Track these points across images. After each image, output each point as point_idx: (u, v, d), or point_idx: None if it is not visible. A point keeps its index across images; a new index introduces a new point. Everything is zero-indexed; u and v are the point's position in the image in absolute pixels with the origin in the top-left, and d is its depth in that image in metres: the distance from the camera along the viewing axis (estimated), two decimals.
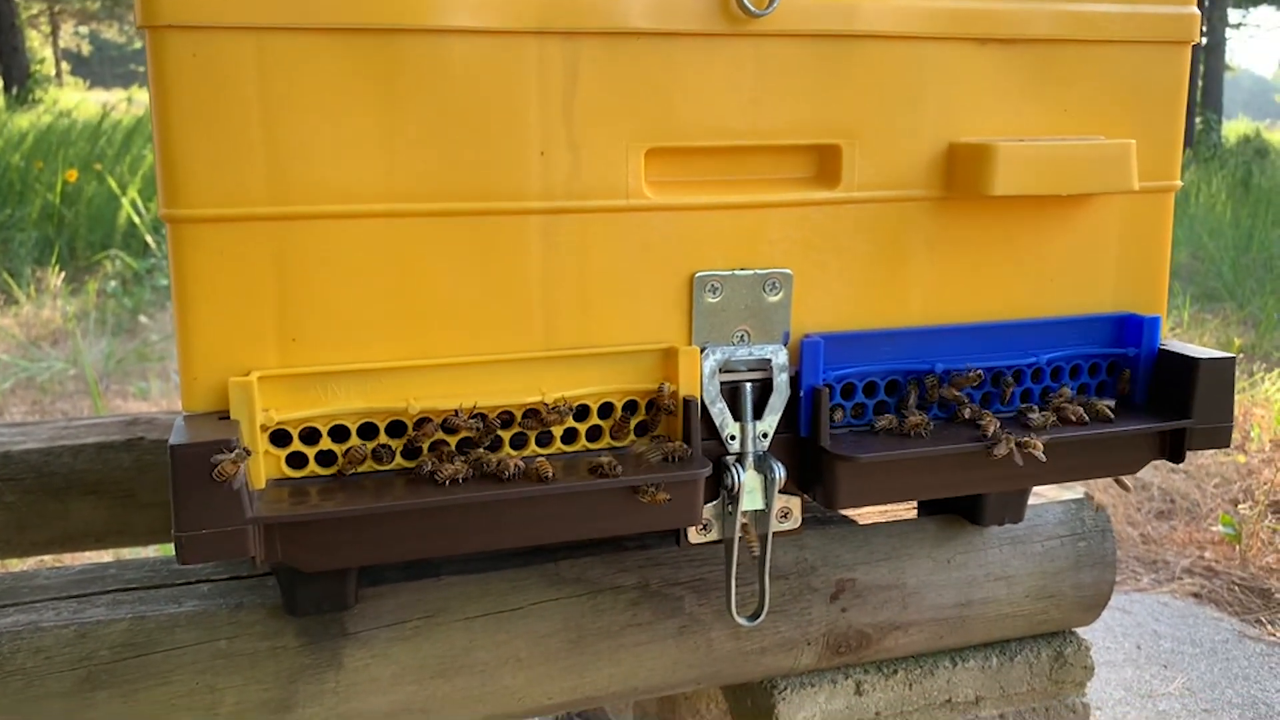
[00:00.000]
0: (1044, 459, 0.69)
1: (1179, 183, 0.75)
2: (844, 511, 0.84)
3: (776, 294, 0.68)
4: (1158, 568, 1.99)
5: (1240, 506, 2.19)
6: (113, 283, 4.26)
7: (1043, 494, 0.89)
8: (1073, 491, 0.90)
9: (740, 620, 0.72)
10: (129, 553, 1.77)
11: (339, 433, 0.62)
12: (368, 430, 0.62)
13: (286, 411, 0.60)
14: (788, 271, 0.68)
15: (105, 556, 1.73)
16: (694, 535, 0.70)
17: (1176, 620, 1.81)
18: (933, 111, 0.68)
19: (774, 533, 0.70)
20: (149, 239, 4.69)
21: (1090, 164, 0.70)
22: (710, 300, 0.66)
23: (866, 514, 0.84)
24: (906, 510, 0.86)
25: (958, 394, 0.71)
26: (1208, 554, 2.03)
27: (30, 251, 4.63)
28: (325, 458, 0.62)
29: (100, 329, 3.64)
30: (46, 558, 1.63)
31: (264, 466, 0.60)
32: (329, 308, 0.60)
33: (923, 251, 0.70)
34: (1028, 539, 0.85)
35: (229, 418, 0.58)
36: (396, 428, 0.62)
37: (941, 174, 0.69)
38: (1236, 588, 1.91)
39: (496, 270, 0.62)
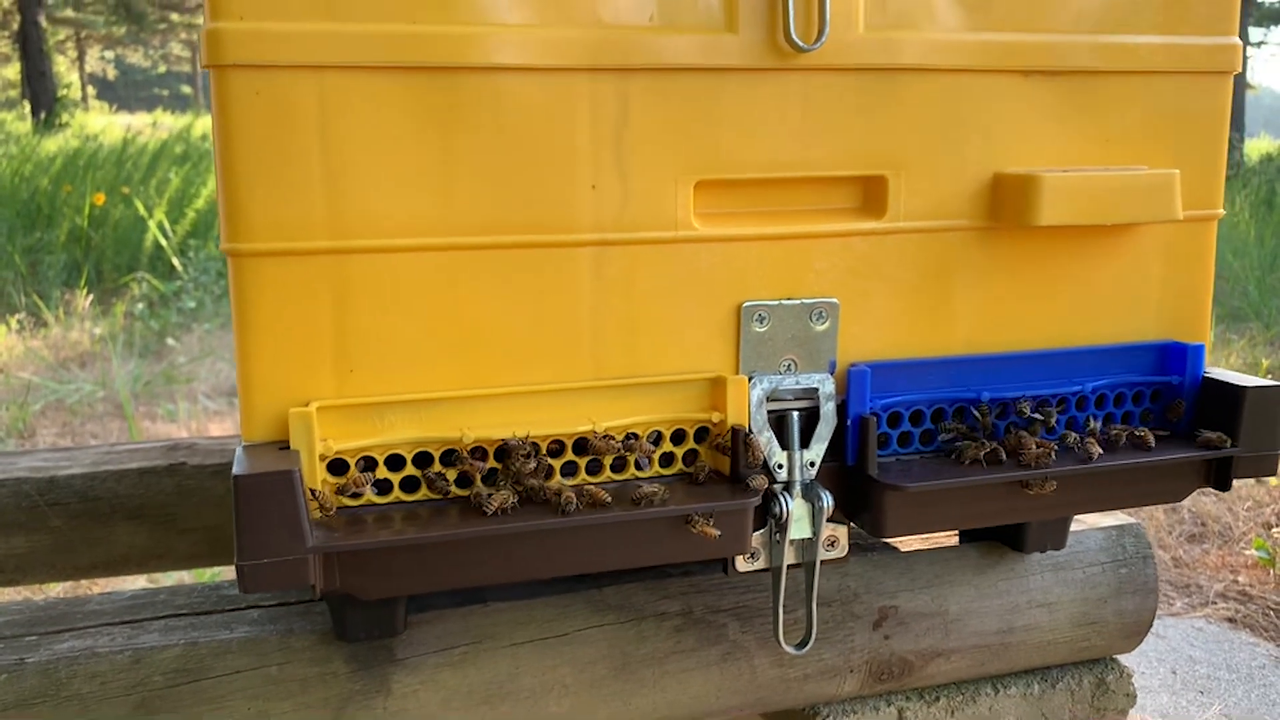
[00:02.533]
0: (1087, 488, 0.69)
1: (1221, 211, 0.75)
2: (888, 539, 0.84)
3: (823, 323, 0.68)
4: (1190, 591, 1.97)
5: (1274, 530, 2.17)
6: (140, 305, 4.31)
7: (1084, 520, 0.88)
8: (1113, 518, 0.90)
9: (788, 648, 0.72)
10: (163, 578, 1.78)
11: (394, 462, 0.62)
12: (422, 459, 0.63)
13: (344, 441, 0.60)
14: (834, 301, 0.68)
15: (141, 581, 1.75)
16: (741, 564, 0.70)
17: (1212, 645, 1.79)
18: (978, 142, 0.69)
19: (821, 561, 0.70)
20: (175, 262, 4.74)
21: (1135, 194, 0.70)
22: (758, 329, 0.67)
23: (908, 541, 0.85)
24: (948, 537, 0.86)
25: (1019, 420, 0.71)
26: (1241, 578, 2.01)
27: (59, 274, 4.69)
28: (380, 487, 0.62)
29: (128, 351, 3.67)
30: (83, 582, 1.64)
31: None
32: (385, 339, 0.61)
33: (968, 281, 0.70)
34: (1069, 565, 0.85)
35: (288, 447, 0.58)
36: (450, 456, 0.63)
37: (986, 204, 0.70)
38: (1272, 612, 1.89)
39: (548, 301, 0.63)
